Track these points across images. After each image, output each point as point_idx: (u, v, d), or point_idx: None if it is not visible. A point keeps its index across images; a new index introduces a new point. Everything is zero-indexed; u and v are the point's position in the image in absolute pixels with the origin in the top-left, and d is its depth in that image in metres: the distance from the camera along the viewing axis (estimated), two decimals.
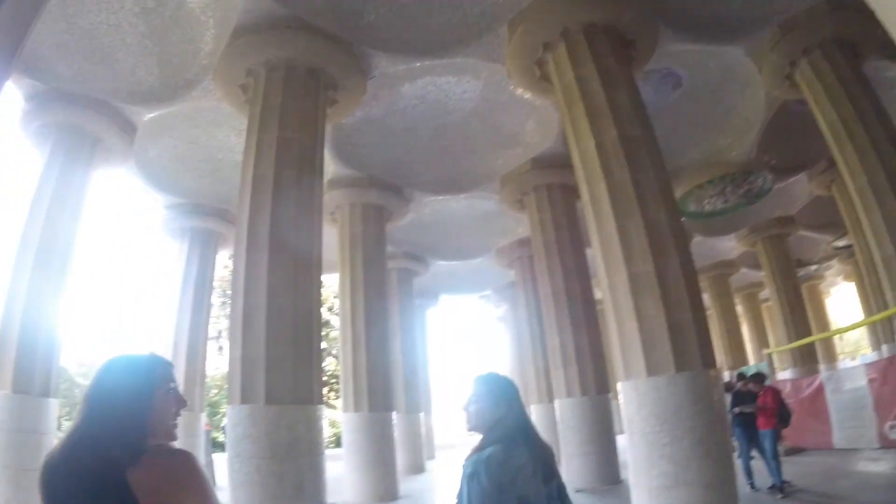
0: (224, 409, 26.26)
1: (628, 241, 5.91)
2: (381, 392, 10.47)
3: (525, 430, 2.21)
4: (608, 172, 6.21)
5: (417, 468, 14.69)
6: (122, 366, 1.59)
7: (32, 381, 7.76)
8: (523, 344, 17.02)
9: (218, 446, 17.83)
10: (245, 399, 5.77)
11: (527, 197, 11.40)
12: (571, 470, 9.84)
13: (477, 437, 2.27)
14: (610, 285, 6.04)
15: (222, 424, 13.18)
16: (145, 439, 1.49)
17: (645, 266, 5.78)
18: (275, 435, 5.60)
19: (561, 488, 2.26)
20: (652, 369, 5.56)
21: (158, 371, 1.60)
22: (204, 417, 12.85)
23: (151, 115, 9.22)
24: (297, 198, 6.39)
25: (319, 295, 6.64)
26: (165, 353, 12.05)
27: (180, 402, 1.64)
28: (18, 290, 7.97)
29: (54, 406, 8.09)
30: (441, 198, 12.67)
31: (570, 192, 10.76)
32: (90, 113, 8.84)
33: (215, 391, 26.40)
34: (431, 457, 17.79)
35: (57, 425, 8.38)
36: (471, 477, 2.06)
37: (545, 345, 12.14)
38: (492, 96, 9.23)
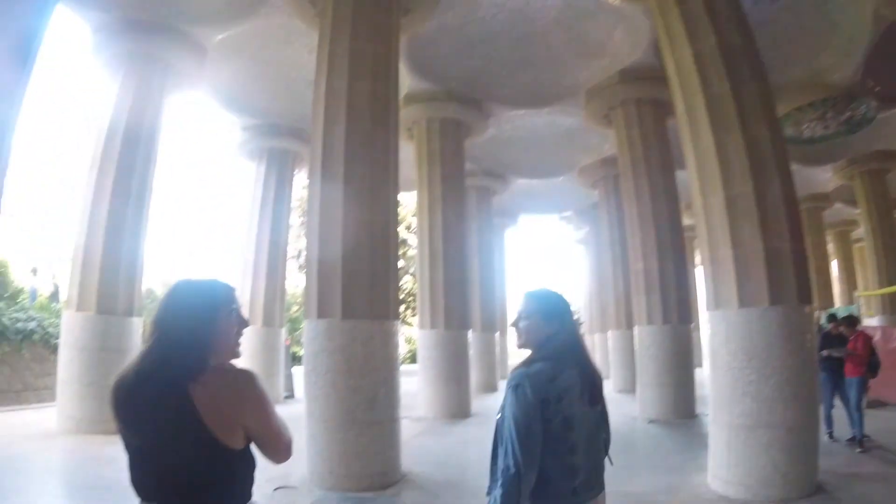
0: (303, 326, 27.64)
1: (726, 159, 5.49)
2: (457, 310, 10.55)
3: (576, 350, 2.19)
4: (706, 84, 5.73)
5: (490, 387, 14.93)
6: (187, 290, 1.74)
7: (116, 302, 8.25)
8: (604, 268, 16.82)
9: (297, 360, 18.81)
10: (321, 313, 5.82)
11: (613, 112, 10.83)
12: (646, 400, 9.76)
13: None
14: (704, 207, 5.68)
15: (302, 339, 13.85)
16: (208, 358, 1.64)
17: (743, 187, 5.37)
18: (350, 349, 5.65)
19: (604, 413, 2.28)
20: (744, 300, 5.25)
21: (221, 294, 1.75)
22: (284, 333, 13.43)
23: (221, 36, 9.23)
24: (372, 111, 6.22)
25: (396, 210, 6.56)
26: (246, 271, 12.67)
27: (242, 323, 1.79)
28: (99, 216, 8.32)
29: (138, 325, 8.53)
30: (522, 112, 12.23)
31: (661, 107, 10.23)
32: (160, 39, 8.97)
33: (296, 308, 27.61)
34: (504, 376, 17.76)
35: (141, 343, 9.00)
36: (515, 388, 2.06)
37: (627, 269, 11.92)
38: (576, 3, 8.64)
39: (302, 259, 29.24)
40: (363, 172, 6.04)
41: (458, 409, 10.30)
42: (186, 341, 1.62)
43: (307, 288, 6.14)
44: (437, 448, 7.79)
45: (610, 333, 15.31)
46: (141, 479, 1.64)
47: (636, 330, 10.13)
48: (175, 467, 1.58)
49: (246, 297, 12.56)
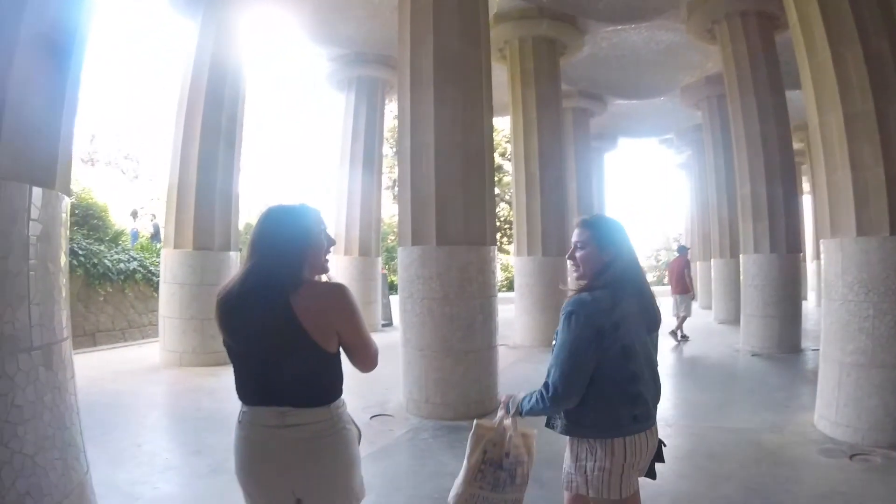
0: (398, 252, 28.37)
1: (845, 74, 4.90)
2: (554, 236, 10.36)
3: (634, 277, 2.17)
4: None
5: None
6: (282, 213, 1.92)
7: (212, 238, 8.47)
8: (707, 193, 16.16)
9: (394, 289, 19.51)
10: (416, 240, 5.77)
11: (717, 26, 10.04)
12: (749, 332, 9.45)
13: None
14: (820, 126, 5.15)
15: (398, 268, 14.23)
16: (304, 271, 1.86)
17: (864, 105, 4.79)
18: (446, 276, 5.60)
19: (655, 339, 2.25)
20: (863, 228, 4.78)
21: (311, 217, 1.93)
22: (380, 262, 13.63)
23: None
24: (461, 27, 5.98)
25: (491, 131, 6.31)
26: (340, 201, 12.86)
27: (330, 241, 1.98)
28: (191, 154, 8.49)
29: (234, 259, 8.74)
30: (619, 28, 11.50)
31: (769, 20, 9.47)
32: None
33: (392, 237, 28.36)
34: None
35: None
36: (569, 315, 2.07)
37: (733, 195, 11.52)
38: None
39: (396, 189, 29.79)
40: (454, 94, 5.85)
41: (554, 336, 10.29)
42: (285, 259, 1.83)
43: (401, 214, 6.09)
44: (533, 376, 7.60)
45: (713, 262, 14.75)
46: (246, 383, 1.89)
47: (741, 259, 9.75)
48: (280, 369, 1.81)
49: (341, 227, 12.83)
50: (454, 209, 5.76)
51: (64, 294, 2.70)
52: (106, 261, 10.45)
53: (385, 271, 14.96)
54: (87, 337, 9.88)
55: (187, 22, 9.15)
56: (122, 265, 10.84)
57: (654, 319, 2.21)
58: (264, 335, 1.81)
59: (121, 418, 5.74)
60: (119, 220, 16.50)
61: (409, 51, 6.07)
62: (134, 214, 16.35)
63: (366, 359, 1.98)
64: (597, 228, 2.20)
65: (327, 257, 1.99)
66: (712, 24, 10.17)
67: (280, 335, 1.80)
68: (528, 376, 7.77)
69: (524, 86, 10.69)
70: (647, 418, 2.12)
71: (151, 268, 11.31)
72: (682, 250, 11.49)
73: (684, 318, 10.98)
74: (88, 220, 11.70)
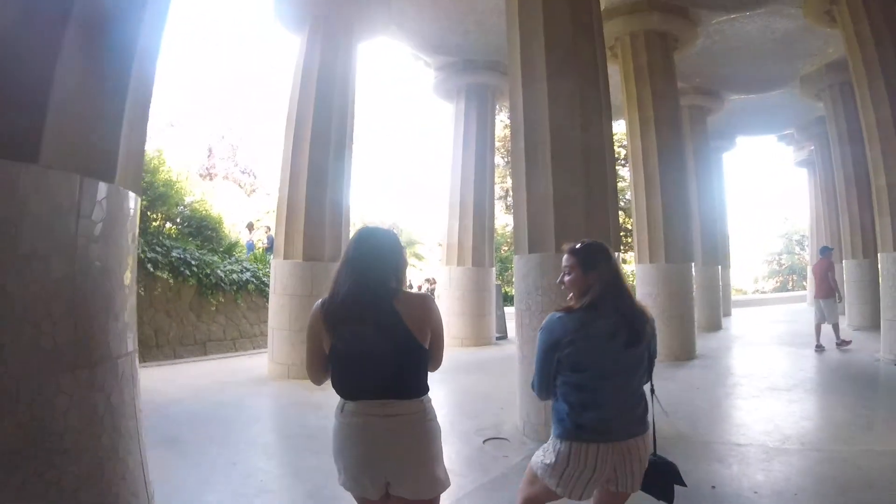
0: (514, 265, 27.92)
1: None
2: (679, 241, 9.57)
3: (613, 298, 2.31)
4: None
5: (714, 326, 13.70)
6: (381, 233, 2.26)
7: (322, 249, 8.30)
8: (834, 190, 14.92)
9: (509, 301, 18.96)
10: (534, 247, 5.21)
11: (836, 7, 9.09)
12: (891, 339, 8.46)
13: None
14: None
15: (513, 279, 13.78)
16: (403, 282, 2.24)
17: None
18: None
19: (650, 353, 2.40)
20: None
21: (397, 239, 2.29)
22: (494, 273, 13.12)
23: None
24: (572, 17, 5.45)
25: (610, 128, 5.69)
26: (453, 211, 12.53)
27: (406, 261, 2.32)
28: (300, 166, 8.42)
29: None
30: (732, 17, 10.74)
31: None
32: None
33: (505, 248, 27.93)
34: (727, 314, 16.52)
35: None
36: (540, 331, 2.44)
37: (864, 189, 10.73)
38: None
39: (509, 199, 29.40)
40: (569, 88, 5.29)
41: (681, 350, 9.37)
42: (389, 272, 2.17)
43: (516, 220, 5.54)
44: (661, 395, 7.07)
45: (844, 263, 13.29)
46: (352, 380, 2.15)
47: (880, 257, 8.78)
48: (389, 365, 2.09)
49: (454, 237, 12.46)
50: (575, 212, 5.15)
51: (129, 304, 2.36)
52: (219, 271, 10.56)
53: (499, 282, 14.46)
54: (198, 346, 9.99)
55: (293, 37, 9.27)
56: (234, 276, 10.95)
57: (634, 335, 2.29)
58: (379, 336, 2.08)
59: (220, 432, 5.56)
60: (235, 232, 17.18)
61: (519, 46, 5.58)
62: (249, 227, 16.85)
63: (440, 357, 2.28)
64: (581, 255, 2.41)
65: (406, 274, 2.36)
66: (830, 5, 9.32)
67: (392, 333, 2.09)
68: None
69: (638, 82, 9.98)
70: (599, 431, 2.26)
71: (264, 279, 11.37)
72: (826, 251, 10.44)
73: (836, 326, 10.00)
74: (203, 231, 11.96)
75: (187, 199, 11.77)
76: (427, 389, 2.20)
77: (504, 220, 27.53)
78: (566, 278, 2.45)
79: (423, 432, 2.14)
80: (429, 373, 2.23)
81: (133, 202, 2.45)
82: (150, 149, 16.89)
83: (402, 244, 2.28)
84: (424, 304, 2.21)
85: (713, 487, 4.08)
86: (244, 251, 13.80)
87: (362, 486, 2.12)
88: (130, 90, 2.34)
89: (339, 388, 2.20)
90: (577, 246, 2.46)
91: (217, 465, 4.64)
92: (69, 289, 2.01)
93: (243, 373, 8.72)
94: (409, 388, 2.15)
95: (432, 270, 31.56)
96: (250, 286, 11.17)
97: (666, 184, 9.67)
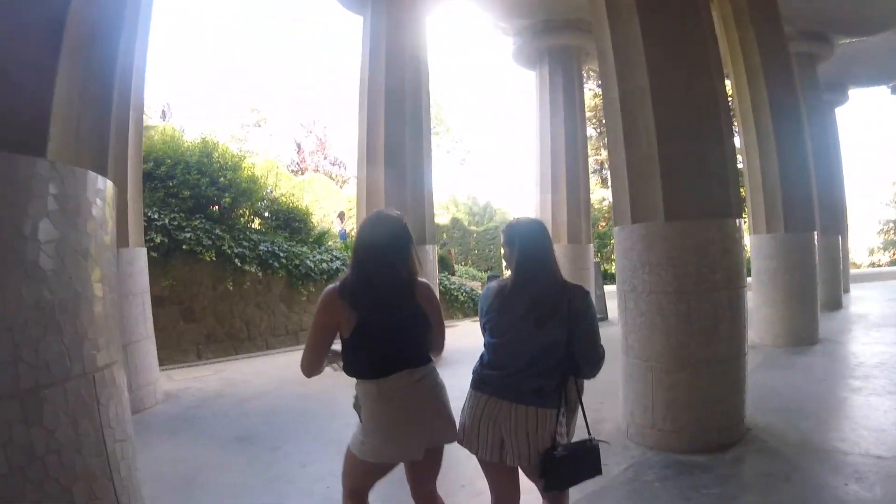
0: (613, 241, 26.62)
1: None
2: (798, 207, 8.19)
3: (525, 271, 2.41)
4: None
5: (834, 304, 11.89)
6: (393, 218, 2.39)
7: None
8: None
9: (608, 279, 17.88)
10: (637, 216, 4.33)
11: None
12: None
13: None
14: None
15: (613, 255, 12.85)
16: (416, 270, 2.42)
17: None
18: (680, 261, 4.13)
19: (581, 330, 2.35)
20: None
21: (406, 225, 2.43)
22: (592, 249, 12.17)
23: None
24: None
25: (720, 69, 4.64)
26: (544, 185, 11.66)
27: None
28: (377, 146, 7.92)
29: (431, 253, 8.08)
30: None
31: None
32: None
33: (602, 223, 26.65)
34: (846, 290, 14.34)
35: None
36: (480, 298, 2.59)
37: None
38: None
39: (605, 172, 27.99)
40: (666, 24, 4.39)
41: (803, 333, 8.12)
42: (407, 256, 2.35)
43: (615, 185, 4.66)
44: (782, 387, 5.92)
45: None
46: (378, 358, 2.27)
47: None
48: (410, 337, 2.34)
49: (546, 212, 11.54)
50: (686, 172, 4.25)
51: (103, 308, 1.81)
52: (308, 261, 10.29)
53: (597, 260, 13.47)
54: (290, 336, 9.81)
55: (356, 17, 8.84)
56: (324, 265, 10.65)
57: (542, 317, 2.33)
58: (405, 311, 2.32)
59: (297, 428, 5.17)
60: (328, 222, 17.18)
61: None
62: (341, 216, 16.81)
63: (442, 341, 2.53)
64: (507, 231, 2.54)
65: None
66: None
67: (413, 310, 2.35)
68: (776, 388, 5.94)
69: (740, 26, 8.54)
70: (494, 386, 2.38)
71: None
72: None
73: None
74: (290, 223, 11.73)
75: (273, 194, 11.65)
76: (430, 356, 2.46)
77: (600, 195, 26.20)
78: (503, 251, 2.66)
79: (441, 386, 2.46)
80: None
81: (101, 187, 1.87)
82: (234, 148, 17.22)
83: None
84: (429, 288, 2.46)
85: None
86: (337, 240, 13.67)
87: (407, 449, 2.31)
88: (66, 44, 1.76)
89: (368, 369, 2.31)
90: (510, 224, 2.58)
91: (285, 467, 4.22)
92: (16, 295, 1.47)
93: None
94: (422, 355, 2.40)
95: None
96: (341, 275, 10.80)
97: (782, 142, 8.30)
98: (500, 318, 2.40)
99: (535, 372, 2.32)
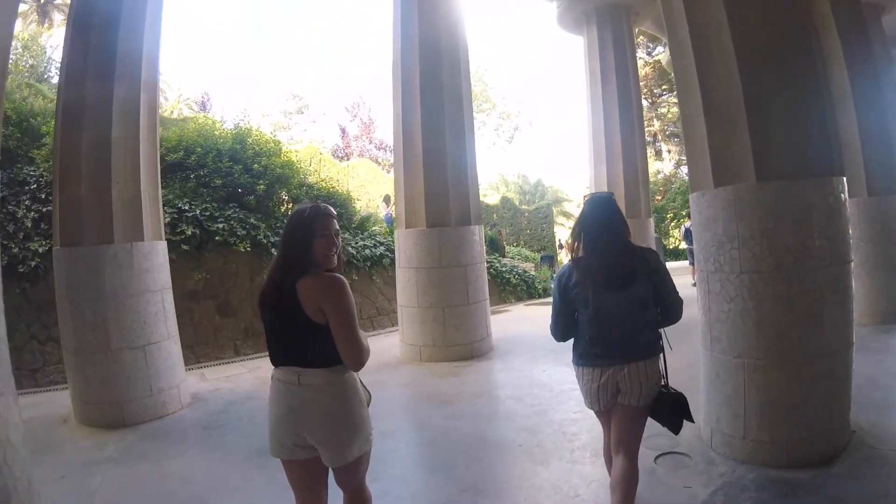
0: (670, 215, 25.17)
1: None
2: (880, 169, 7.21)
3: (594, 247, 2.58)
4: None
5: None
6: (296, 218, 2.29)
7: (447, 212, 7.11)
8: None
9: (669, 255, 16.67)
10: (720, 180, 3.44)
11: None
12: None
13: None
14: None
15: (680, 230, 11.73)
16: (309, 266, 2.21)
17: None
18: (776, 232, 3.26)
19: (638, 298, 2.55)
20: None
21: (318, 222, 2.23)
22: (651, 224, 11.40)
23: None
24: None
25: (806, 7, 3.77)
26: (598, 156, 10.75)
27: (331, 245, 2.27)
28: (414, 121, 7.19)
29: (478, 234, 7.38)
30: None
31: None
32: None
33: (658, 197, 25.24)
34: None
35: None
36: (555, 278, 2.78)
37: None
38: None
39: (658, 144, 26.46)
40: None
41: (890, 309, 7.12)
42: (296, 254, 2.21)
43: (689, 143, 3.79)
44: (880, 376, 4.94)
45: None
46: (274, 347, 2.30)
47: None
48: (291, 334, 2.23)
49: (602, 187, 10.48)
50: (778, 122, 3.32)
51: None
52: (350, 248, 9.69)
53: (657, 235, 12.44)
54: None
55: None
56: (367, 251, 10.06)
57: (616, 281, 2.51)
58: (283, 312, 2.23)
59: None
60: (374, 207, 16.62)
61: None
62: (386, 200, 16.29)
63: (344, 347, 2.18)
64: (584, 207, 2.69)
65: (332, 255, 2.28)
66: None
67: (289, 312, 2.19)
68: (873, 375, 4.94)
69: None
70: (605, 356, 2.56)
71: None
72: None
73: None
74: (332, 208, 11.17)
75: (311, 180, 11.07)
76: (337, 360, 2.23)
77: (654, 168, 24.84)
78: (574, 225, 2.74)
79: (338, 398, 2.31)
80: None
81: None
82: (278, 136, 16.79)
83: (325, 229, 2.27)
84: (321, 288, 2.21)
85: None
86: (382, 225, 13.08)
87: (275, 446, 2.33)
88: None
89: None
90: (586, 200, 2.72)
91: None
92: None
93: (375, 354, 7.42)
94: (315, 355, 2.24)
95: None
96: (385, 261, 10.14)
97: (859, 97, 7.23)
98: (585, 290, 2.55)
99: (637, 328, 2.55)
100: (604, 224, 2.57)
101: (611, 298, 2.51)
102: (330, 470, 2.33)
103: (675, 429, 2.63)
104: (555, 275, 2.62)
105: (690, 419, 2.63)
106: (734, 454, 3.51)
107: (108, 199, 5.21)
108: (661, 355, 2.60)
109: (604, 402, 2.61)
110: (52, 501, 3.51)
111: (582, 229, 2.60)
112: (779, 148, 3.27)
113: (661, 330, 2.64)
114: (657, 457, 3.62)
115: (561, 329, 2.70)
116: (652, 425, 2.71)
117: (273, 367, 2.32)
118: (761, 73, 3.32)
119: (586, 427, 4.25)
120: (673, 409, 2.61)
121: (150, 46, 5.64)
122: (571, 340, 2.73)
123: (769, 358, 3.35)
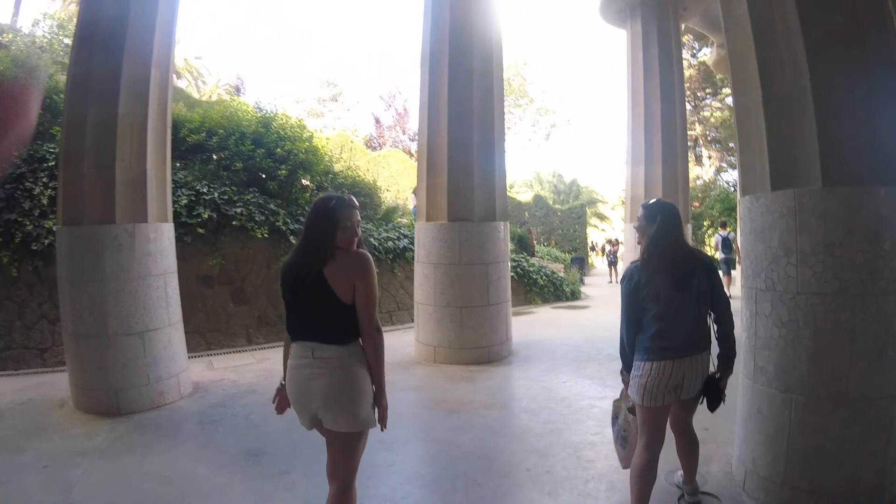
0: (707, 223, 24.16)
1: None
2: None
3: (664, 248, 2.71)
4: None
5: None
6: (322, 207, 2.36)
7: (471, 206, 6.63)
8: None
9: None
10: (778, 181, 2.90)
11: None
12: None
13: None
14: None
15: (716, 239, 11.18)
16: (334, 250, 2.31)
17: None
18: (841, 248, 2.72)
19: (701, 296, 2.72)
20: None
21: (342, 212, 2.32)
22: (689, 230, 10.90)
23: None
24: None
25: None
26: (636, 156, 10.32)
27: (353, 236, 2.37)
28: (440, 109, 6.72)
29: (502, 230, 6.97)
30: None
31: None
32: None
33: (696, 203, 24.30)
34: None
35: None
36: (623, 279, 2.85)
37: None
38: None
39: (698, 149, 25.47)
40: None
41: None
42: (320, 242, 2.30)
43: (743, 140, 3.21)
44: None
45: None
46: (294, 323, 2.39)
47: None
48: (313, 314, 2.33)
49: (638, 189, 10.10)
50: (851, 113, 2.78)
51: None
52: (372, 239, 9.29)
53: (695, 242, 11.74)
54: None
55: None
56: (390, 243, 9.64)
57: (682, 280, 2.67)
58: (309, 293, 2.33)
59: (314, 448, 3.86)
60: (402, 198, 16.23)
61: None
62: (416, 192, 16.10)
63: (370, 319, 2.34)
64: (646, 209, 2.83)
65: (353, 238, 2.38)
66: None
67: (317, 292, 2.31)
68: None
69: None
70: (675, 350, 2.65)
71: None
72: None
73: None
74: (356, 197, 10.80)
75: (337, 167, 10.72)
76: (358, 335, 2.38)
77: (693, 173, 23.92)
78: (636, 226, 2.91)
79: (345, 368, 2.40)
80: None
81: None
82: (310, 123, 16.49)
83: (349, 219, 2.34)
84: (349, 264, 2.34)
85: None
86: (411, 217, 12.69)
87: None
88: None
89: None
90: (648, 204, 2.88)
91: (285, 501, 3.24)
92: None
93: (391, 352, 6.88)
94: (338, 332, 2.36)
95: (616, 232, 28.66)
96: (408, 254, 9.66)
97: None
98: (652, 288, 2.67)
99: (700, 322, 2.72)
100: (675, 230, 2.74)
101: (677, 296, 2.64)
102: (329, 471, 2.43)
103: (713, 408, 2.81)
104: (620, 280, 2.90)
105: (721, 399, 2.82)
106: (768, 500, 3.00)
107: (111, 177, 4.89)
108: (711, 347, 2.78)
109: (668, 397, 2.67)
110: (29, 493, 3.39)
111: (653, 232, 2.74)
112: (850, 148, 2.72)
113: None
114: (680, 498, 3.10)
115: (633, 332, 2.74)
116: (674, 461, 2.88)
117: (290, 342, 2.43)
118: (832, 60, 2.77)
119: (604, 453, 3.75)
120: (716, 393, 2.80)
121: (165, 19, 5.28)
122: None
123: (822, 396, 2.81)
